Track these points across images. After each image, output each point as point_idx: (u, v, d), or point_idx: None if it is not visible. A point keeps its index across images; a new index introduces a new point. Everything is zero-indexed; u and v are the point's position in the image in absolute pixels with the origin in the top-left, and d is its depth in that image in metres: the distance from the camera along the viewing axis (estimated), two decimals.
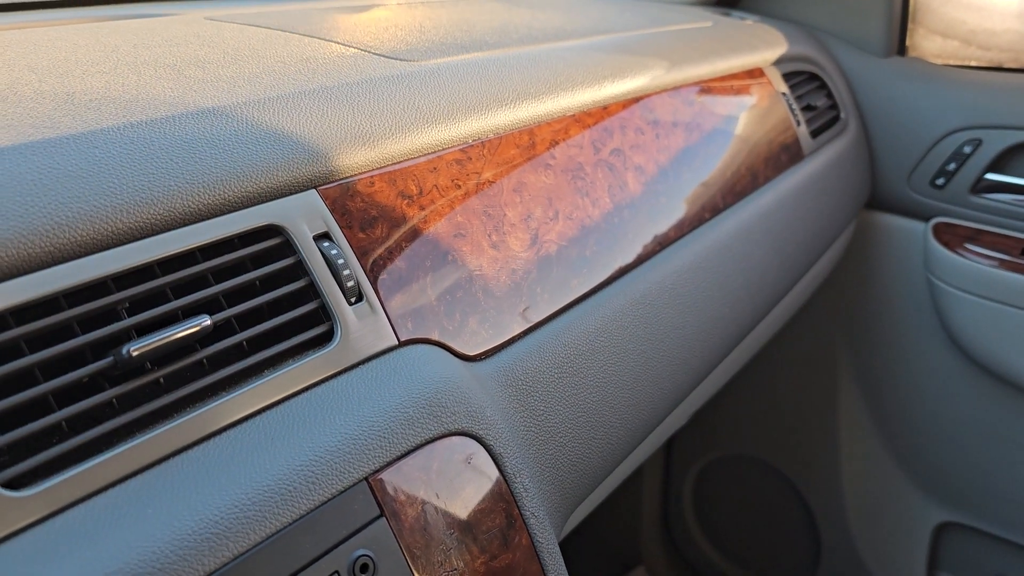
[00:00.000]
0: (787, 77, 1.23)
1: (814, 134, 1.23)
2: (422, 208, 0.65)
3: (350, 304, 0.57)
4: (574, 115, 0.82)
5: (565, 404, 0.67)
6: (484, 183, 0.70)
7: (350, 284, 0.57)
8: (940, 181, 1.37)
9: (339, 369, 0.54)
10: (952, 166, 1.35)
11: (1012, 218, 1.32)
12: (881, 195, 1.44)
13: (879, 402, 1.54)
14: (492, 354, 0.64)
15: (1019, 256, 1.30)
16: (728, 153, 1.00)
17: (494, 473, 0.57)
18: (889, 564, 1.55)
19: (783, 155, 1.13)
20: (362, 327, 0.57)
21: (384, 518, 0.49)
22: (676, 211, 0.88)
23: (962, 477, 1.46)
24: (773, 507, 1.72)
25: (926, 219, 1.40)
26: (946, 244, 1.35)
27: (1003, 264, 1.30)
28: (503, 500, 0.56)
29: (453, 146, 0.69)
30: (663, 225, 0.86)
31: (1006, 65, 1.37)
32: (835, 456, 1.59)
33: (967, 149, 1.33)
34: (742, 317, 0.96)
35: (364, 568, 0.48)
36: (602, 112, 0.85)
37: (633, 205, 0.83)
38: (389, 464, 0.51)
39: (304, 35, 0.81)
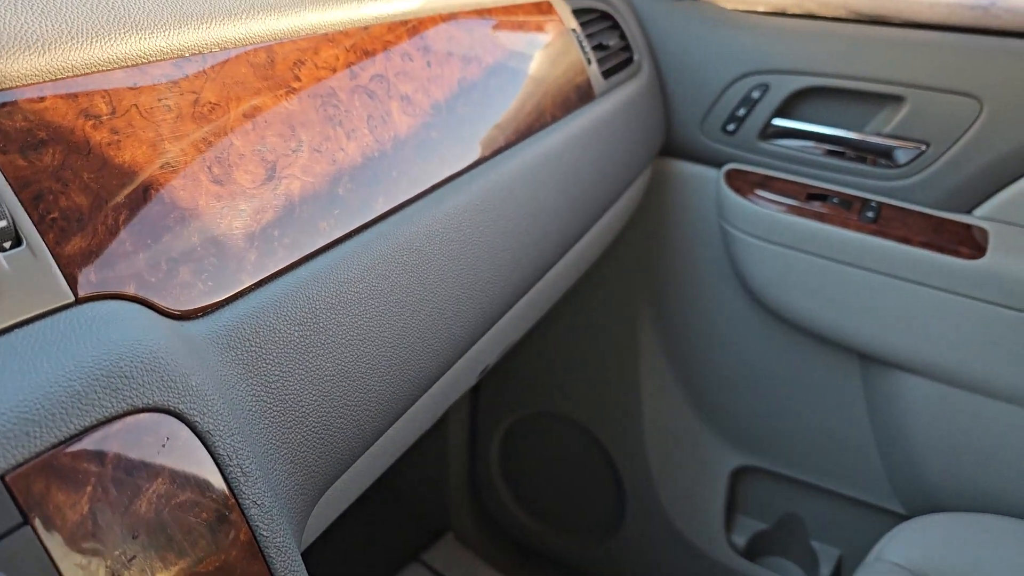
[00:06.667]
0: (578, 14, 1.16)
1: (606, 74, 1.18)
2: (115, 132, 0.52)
3: (2, 250, 0.44)
4: (326, 33, 0.70)
5: (307, 368, 0.57)
6: (204, 105, 0.58)
7: (1, 224, 0.44)
8: (731, 127, 1.36)
9: None
10: (742, 111, 1.34)
11: (798, 163, 1.33)
12: (676, 142, 1.42)
13: (678, 352, 1.53)
14: (212, 311, 0.53)
15: (804, 201, 1.31)
16: (512, 88, 0.92)
17: (201, 456, 0.45)
18: (690, 511, 1.57)
19: (573, 94, 1.06)
20: (20, 280, 0.44)
21: (28, 526, 0.37)
22: (451, 147, 0.79)
23: (755, 422, 1.49)
24: (579, 463, 1.70)
25: (719, 166, 1.39)
26: (737, 191, 1.35)
27: (790, 209, 1.31)
28: (212, 488, 0.46)
29: (163, 59, 0.57)
30: (435, 162, 0.76)
31: (789, 11, 1.37)
32: (637, 409, 1.58)
33: (755, 94, 1.32)
34: (527, 266, 0.89)
35: None
36: (362, 33, 0.74)
37: (398, 139, 0.73)
38: (40, 454, 0.39)
39: None
